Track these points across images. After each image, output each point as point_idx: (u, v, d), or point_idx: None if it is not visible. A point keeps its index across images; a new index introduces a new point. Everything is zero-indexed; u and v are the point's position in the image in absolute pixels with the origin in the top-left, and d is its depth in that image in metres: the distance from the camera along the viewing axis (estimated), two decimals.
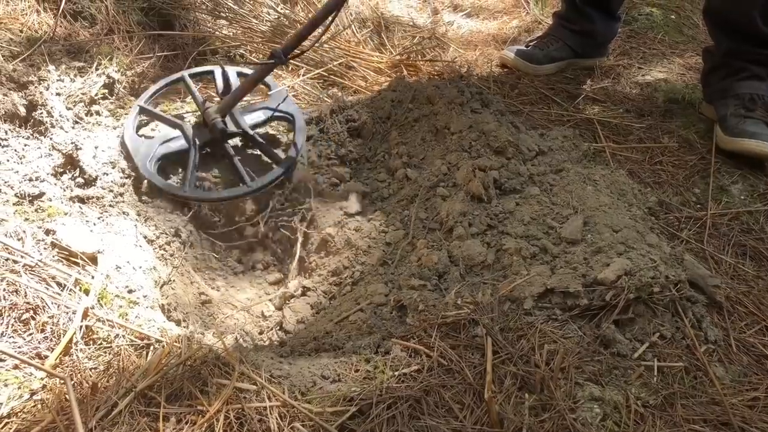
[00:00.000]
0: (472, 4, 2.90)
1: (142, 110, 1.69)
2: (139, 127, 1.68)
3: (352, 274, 1.44)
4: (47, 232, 1.30)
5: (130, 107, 1.84)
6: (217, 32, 2.25)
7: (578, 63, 2.31)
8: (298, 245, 1.53)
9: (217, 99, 1.74)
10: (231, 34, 2.27)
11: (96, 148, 1.59)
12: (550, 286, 1.26)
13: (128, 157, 1.57)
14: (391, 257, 1.44)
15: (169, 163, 1.62)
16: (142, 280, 1.30)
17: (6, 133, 1.61)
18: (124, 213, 1.47)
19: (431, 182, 1.57)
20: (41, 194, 1.43)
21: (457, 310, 1.20)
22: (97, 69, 1.89)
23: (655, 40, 2.54)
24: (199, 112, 1.70)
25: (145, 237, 1.44)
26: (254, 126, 1.69)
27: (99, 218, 1.42)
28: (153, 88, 1.77)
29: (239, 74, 1.77)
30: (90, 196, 1.48)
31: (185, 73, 1.79)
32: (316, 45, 1.65)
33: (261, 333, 1.41)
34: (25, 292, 1.13)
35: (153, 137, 1.64)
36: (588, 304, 1.24)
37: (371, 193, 1.65)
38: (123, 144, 1.60)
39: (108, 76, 1.85)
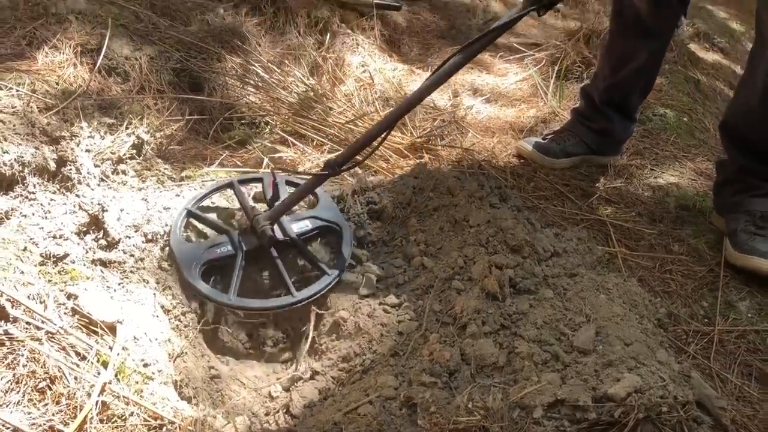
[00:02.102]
0: (492, 89, 2.98)
1: (190, 214, 1.68)
2: (185, 230, 1.67)
3: (362, 362, 1.45)
4: (69, 296, 1.31)
5: (156, 169, 1.89)
6: (244, 99, 2.31)
7: (593, 160, 2.37)
8: (311, 326, 1.54)
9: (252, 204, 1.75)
10: (258, 101, 2.33)
11: (121, 210, 1.61)
12: (560, 397, 1.27)
13: (173, 260, 1.56)
14: (403, 348, 1.45)
15: (215, 268, 1.61)
16: (157, 353, 1.31)
17: (34, 186, 1.64)
18: (144, 280, 1.49)
19: (447, 274, 1.59)
20: (65, 255, 1.45)
21: (468, 416, 1.21)
22: (127, 128, 1.93)
23: (668, 141, 2.60)
24: (244, 216, 1.70)
25: (162, 306, 1.46)
26: (301, 234, 1.69)
27: (119, 284, 1.44)
28: (201, 191, 1.76)
29: (287, 182, 1.80)
30: (112, 260, 1.50)
31: (235, 179, 1.79)
32: (365, 157, 1.68)
33: (267, 414, 1.41)
34: (45, 361, 1.13)
35: (199, 242, 1.64)
36: (597, 418, 1.25)
37: (386, 278, 1.67)
38: (169, 248, 1.59)
39: (138, 137, 1.90)
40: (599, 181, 2.28)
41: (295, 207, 1.76)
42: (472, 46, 1.59)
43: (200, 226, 1.71)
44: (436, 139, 2.39)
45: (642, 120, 2.67)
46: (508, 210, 1.81)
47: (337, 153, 1.68)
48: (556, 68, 3.03)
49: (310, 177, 1.67)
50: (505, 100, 2.92)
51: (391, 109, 1.63)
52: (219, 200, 1.80)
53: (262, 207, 1.74)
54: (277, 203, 1.66)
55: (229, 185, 1.80)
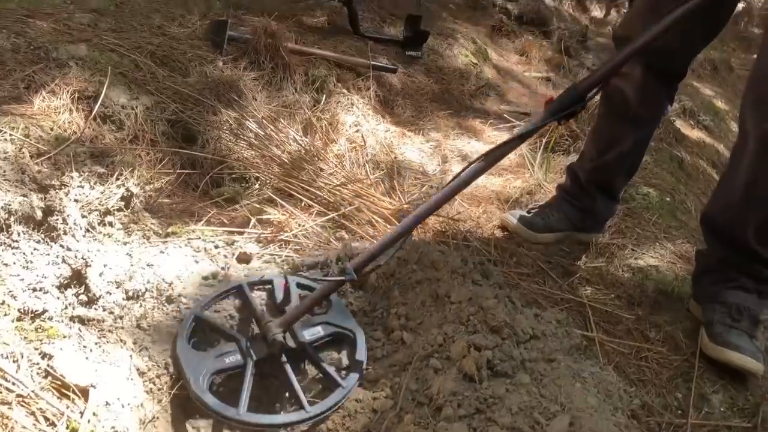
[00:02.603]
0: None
1: (197, 319, 1.61)
2: (191, 337, 1.59)
3: None
4: (44, 356, 1.30)
5: (143, 223, 1.89)
6: (236, 154, 2.33)
7: (576, 236, 2.40)
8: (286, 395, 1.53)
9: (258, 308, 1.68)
10: (250, 157, 2.35)
11: (105, 265, 1.61)
12: None
13: (179, 369, 1.49)
14: (376, 427, 1.45)
15: (223, 378, 1.55)
16: (128, 419, 1.30)
17: (19, 234, 1.63)
18: (121, 341, 1.48)
19: (426, 351, 1.60)
20: (44, 311, 1.44)
21: None
22: (117, 179, 1.94)
23: (650, 222, 2.65)
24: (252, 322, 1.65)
25: (138, 369, 1.44)
26: (313, 342, 1.62)
27: (96, 344, 1.43)
28: (209, 296, 1.68)
29: (299, 285, 1.74)
30: (91, 317, 1.49)
31: (244, 283, 1.71)
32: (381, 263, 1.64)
33: None
34: (13, 427, 1.12)
35: (207, 350, 1.56)
36: None
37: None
38: (174, 355, 1.51)
39: (127, 189, 1.90)
40: (581, 259, 2.31)
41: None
42: (494, 152, 1.60)
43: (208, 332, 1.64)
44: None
45: (626, 198, 2.72)
46: (490, 287, 1.82)
47: (354, 258, 1.60)
48: (544, 141, 3.09)
49: (324, 281, 1.62)
50: (492, 169, 2.95)
51: (412, 213, 1.58)
52: (227, 306, 1.73)
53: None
54: (288, 308, 1.62)
55: (239, 288, 1.71)
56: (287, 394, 1.56)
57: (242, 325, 1.68)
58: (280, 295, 1.69)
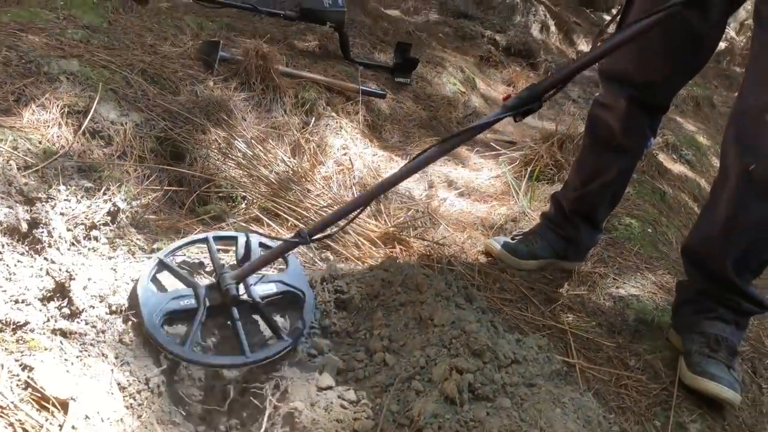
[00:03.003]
0: (466, 183, 3.07)
1: (161, 263, 1.73)
2: (153, 278, 1.71)
3: None
4: (24, 367, 1.29)
5: (129, 238, 1.89)
6: (224, 173, 2.34)
7: (559, 264, 2.43)
8: (265, 418, 1.53)
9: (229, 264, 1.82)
10: (237, 176, 2.36)
11: (89, 279, 1.61)
12: None
13: (136, 305, 1.59)
14: None
15: (176, 319, 1.64)
16: None
17: (3, 246, 1.63)
18: (103, 354, 1.47)
19: (408, 373, 1.60)
20: (26, 323, 1.43)
21: None
22: (104, 194, 1.94)
23: (631, 252, 2.68)
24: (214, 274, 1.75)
25: (119, 383, 1.44)
26: (265, 297, 1.74)
27: (78, 357, 1.42)
28: (176, 243, 1.83)
29: (261, 244, 1.87)
30: (73, 331, 1.48)
31: (210, 235, 1.86)
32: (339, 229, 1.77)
33: None
34: None
35: (165, 291, 1.68)
36: None
37: (347, 371, 1.67)
38: (134, 292, 1.62)
39: (114, 204, 1.90)
40: (563, 286, 2.33)
41: (265, 270, 1.82)
42: (450, 140, 1.66)
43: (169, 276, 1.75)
44: (408, 230, 2.44)
45: (608, 228, 2.76)
46: (473, 312, 1.84)
47: (310, 223, 1.73)
48: (529, 169, 3.13)
49: (280, 242, 1.73)
50: (477, 195, 3.00)
51: (367, 189, 1.71)
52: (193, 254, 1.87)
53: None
54: (245, 264, 1.71)
55: (204, 240, 1.85)
56: (233, 341, 1.64)
57: (202, 274, 1.81)
58: (241, 252, 1.81)
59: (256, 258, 1.73)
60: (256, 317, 1.73)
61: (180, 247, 1.83)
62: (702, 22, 1.88)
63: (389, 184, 1.71)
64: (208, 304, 1.64)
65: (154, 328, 1.54)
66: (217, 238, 1.88)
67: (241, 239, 1.85)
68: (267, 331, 1.71)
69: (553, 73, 5.47)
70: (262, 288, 1.76)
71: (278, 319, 1.76)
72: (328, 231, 1.70)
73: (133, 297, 1.62)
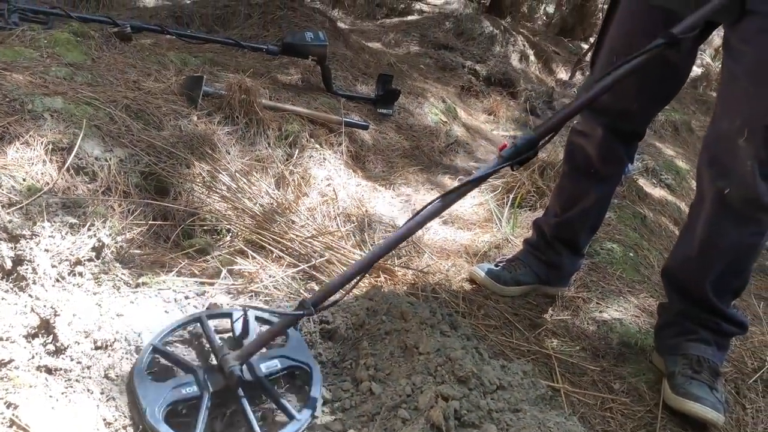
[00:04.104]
0: (449, 212, 3.09)
1: (156, 350, 1.63)
2: (149, 367, 1.60)
3: None
4: (9, 405, 1.29)
5: (114, 273, 1.89)
6: (208, 206, 2.36)
7: (542, 289, 2.46)
8: None
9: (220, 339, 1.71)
10: (222, 209, 2.37)
11: (74, 315, 1.61)
12: None
13: (135, 400, 1.49)
14: None
15: (179, 409, 1.54)
16: None
17: None
18: (88, 390, 1.47)
19: (394, 402, 1.61)
20: (10, 361, 1.43)
21: None
22: (89, 230, 1.95)
23: (614, 276, 2.72)
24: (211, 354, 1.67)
25: (104, 419, 1.43)
26: (270, 375, 1.64)
27: (63, 393, 1.42)
28: (168, 326, 1.70)
29: (257, 318, 1.78)
30: (58, 367, 1.48)
31: (203, 313, 1.75)
32: (343, 296, 1.64)
33: None
34: None
35: (164, 381, 1.56)
36: None
37: (333, 401, 1.67)
38: (131, 385, 1.52)
39: (98, 239, 1.91)
40: (547, 311, 2.35)
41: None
42: (450, 194, 1.64)
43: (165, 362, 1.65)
44: (393, 258, 2.46)
45: (590, 253, 2.79)
46: (458, 339, 1.85)
47: (312, 293, 1.64)
48: (511, 196, 3.18)
49: (282, 315, 1.64)
50: (461, 223, 3.04)
51: (368, 252, 1.63)
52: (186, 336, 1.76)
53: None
54: (246, 341, 1.64)
55: (197, 320, 1.75)
56: (243, 427, 1.56)
57: (200, 357, 1.70)
58: (238, 328, 1.71)
59: (257, 335, 1.64)
60: (263, 397, 1.63)
61: (172, 330, 1.71)
62: (673, 52, 1.93)
63: (392, 243, 1.65)
64: (211, 389, 1.53)
65: (158, 423, 1.43)
66: (210, 316, 1.77)
67: (237, 314, 1.75)
68: (277, 412, 1.61)
69: (533, 104, 5.58)
70: (266, 365, 1.65)
71: (286, 396, 1.67)
72: (333, 298, 1.62)
73: (130, 389, 1.52)
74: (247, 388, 1.57)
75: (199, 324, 1.74)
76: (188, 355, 1.70)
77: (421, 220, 1.63)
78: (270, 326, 1.67)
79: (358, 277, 1.61)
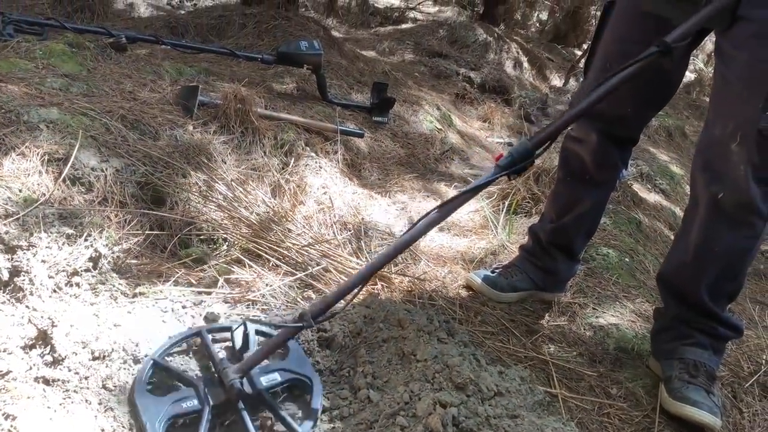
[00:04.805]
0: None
1: (156, 365, 1.63)
2: (149, 382, 1.61)
3: None
4: (7, 417, 1.29)
5: (111, 284, 1.89)
6: (205, 215, 2.36)
7: (538, 295, 2.47)
8: None
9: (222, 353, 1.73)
10: (218, 218, 2.38)
11: (71, 326, 1.61)
12: None
13: (135, 414, 1.50)
14: None
15: (180, 423, 1.54)
16: None
17: None
18: (86, 401, 1.47)
19: (392, 409, 1.61)
20: (8, 372, 1.43)
21: None
22: (86, 240, 1.95)
23: (609, 281, 2.72)
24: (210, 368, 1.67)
25: (102, 430, 1.43)
26: (270, 388, 1.64)
27: (61, 404, 1.42)
28: (168, 341, 1.71)
29: (257, 332, 1.78)
30: (56, 378, 1.48)
31: (203, 329, 1.76)
32: (343, 307, 1.65)
33: None
34: None
35: (164, 395, 1.57)
36: None
37: (331, 410, 1.67)
38: (131, 401, 1.53)
39: (95, 250, 1.91)
40: (544, 317, 2.36)
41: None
42: (448, 204, 1.65)
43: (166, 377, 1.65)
44: (389, 266, 2.46)
45: (586, 259, 2.80)
46: (455, 345, 1.86)
47: (311, 304, 1.64)
48: (507, 202, 3.19)
49: (282, 328, 1.64)
50: (457, 230, 3.04)
51: (368, 262, 1.63)
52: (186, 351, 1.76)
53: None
54: (246, 355, 1.65)
55: (197, 334, 1.75)
56: None
57: (201, 371, 1.70)
58: (238, 342, 1.72)
59: (257, 348, 1.65)
60: (264, 411, 1.62)
61: (173, 345, 1.71)
62: (668, 60, 1.95)
63: (390, 255, 1.66)
64: (212, 403, 1.54)
65: None
66: (211, 330, 1.78)
67: (237, 328, 1.74)
68: (277, 425, 1.60)
69: (528, 111, 5.60)
70: (266, 378, 1.65)
71: (286, 409, 1.67)
72: (332, 310, 1.63)
73: (131, 404, 1.53)
74: (247, 401, 1.57)
75: (199, 338, 1.75)
76: (188, 366, 1.71)
77: (419, 230, 1.63)
78: (269, 339, 1.67)
79: (357, 289, 1.61)
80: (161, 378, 1.64)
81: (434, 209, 1.65)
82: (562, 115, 1.69)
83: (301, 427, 1.56)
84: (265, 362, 1.67)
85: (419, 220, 1.63)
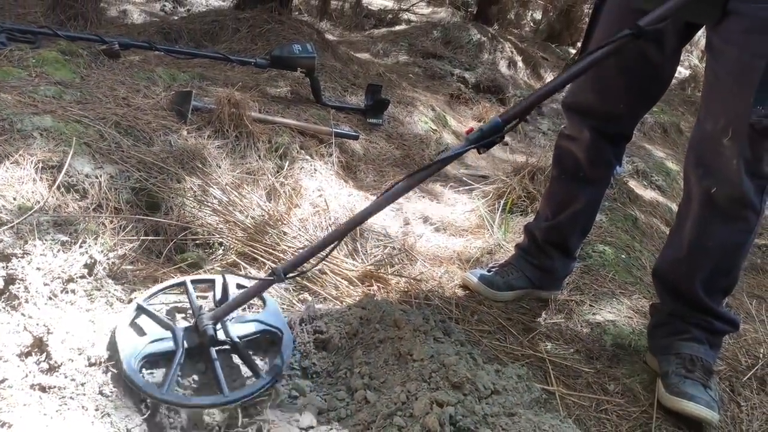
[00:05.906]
0: (441, 219, 3.11)
1: (140, 308, 1.78)
2: (132, 323, 1.75)
3: None
4: (3, 424, 1.29)
5: (106, 290, 1.89)
6: (200, 220, 2.36)
7: (535, 293, 2.47)
8: None
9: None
10: (213, 223, 2.38)
11: (67, 332, 1.61)
12: None
13: (115, 350, 1.61)
14: None
15: (155, 363, 1.67)
16: None
17: None
18: (83, 407, 1.47)
19: (389, 410, 1.61)
20: (3, 380, 1.43)
21: None
22: (81, 247, 1.95)
23: (606, 278, 2.73)
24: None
25: None
26: (243, 336, 1.77)
27: (57, 411, 1.42)
28: (154, 288, 1.89)
29: (238, 285, 1.92)
30: (52, 385, 1.48)
31: (187, 279, 1.92)
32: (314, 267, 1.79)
33: None
34: None
35: (144, 335, 1.71)
36: None
37: (328, 411, 1.67)
38: (113, 337, 1.65)
39: (91, 257, 1.91)
40: (540, 315, 2.36)
41: (243, 310, 1.88)
42: (417, 174, 1.71)
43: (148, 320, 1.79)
44: (386, 267, 2.46)
45: (582, 256, 2.80)
46: (452, 345, 1.86)
47: (283, 261, 1.77)
48: (502, 201, 3.19)
49: (255, 281, 1.78)
50: (453, 230, 3.05)
51: (341, 224, 1.79)
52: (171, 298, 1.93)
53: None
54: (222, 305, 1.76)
55: (182, 284, 1.91)
56: (212, 382, 1.66)
57: (181, 317, 1.87)
58: (219, 293, 1.86)
59: (232, 299, 1.78)
60: (235, 357, 1.76)
61: (158, 292, 1.88)
62: (658, 53, 1.96)
63: (361, 218, 1.75)
64: (186, 345, 1.67)
65: (133, 373, 1.56)
66: (194, 281, 1.94)
67: (219, 281, 1.89)
68: (247, 371, 1.73)
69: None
70: (240, 328, 1.79)
71: (257, 359, 1.79)
72: (303, 268, 1.73)
73: (112, 342, 1.64)
74: (219, 348, 1.71)
75: (183, 288, 1.92)
76: (170, 313, 1.89)
77: (389, 196, 1.70)
78: (244, 290, 1.80)
79: (329, 248, 1.69)
80: (143, 321, 1.77)
81: (404, 178, 1.71)
82: (534, 93, 1.71)
83: (265, 374, 1.67)
84: (242, 313, 1.87)
85: (390, 187, 1.70)
